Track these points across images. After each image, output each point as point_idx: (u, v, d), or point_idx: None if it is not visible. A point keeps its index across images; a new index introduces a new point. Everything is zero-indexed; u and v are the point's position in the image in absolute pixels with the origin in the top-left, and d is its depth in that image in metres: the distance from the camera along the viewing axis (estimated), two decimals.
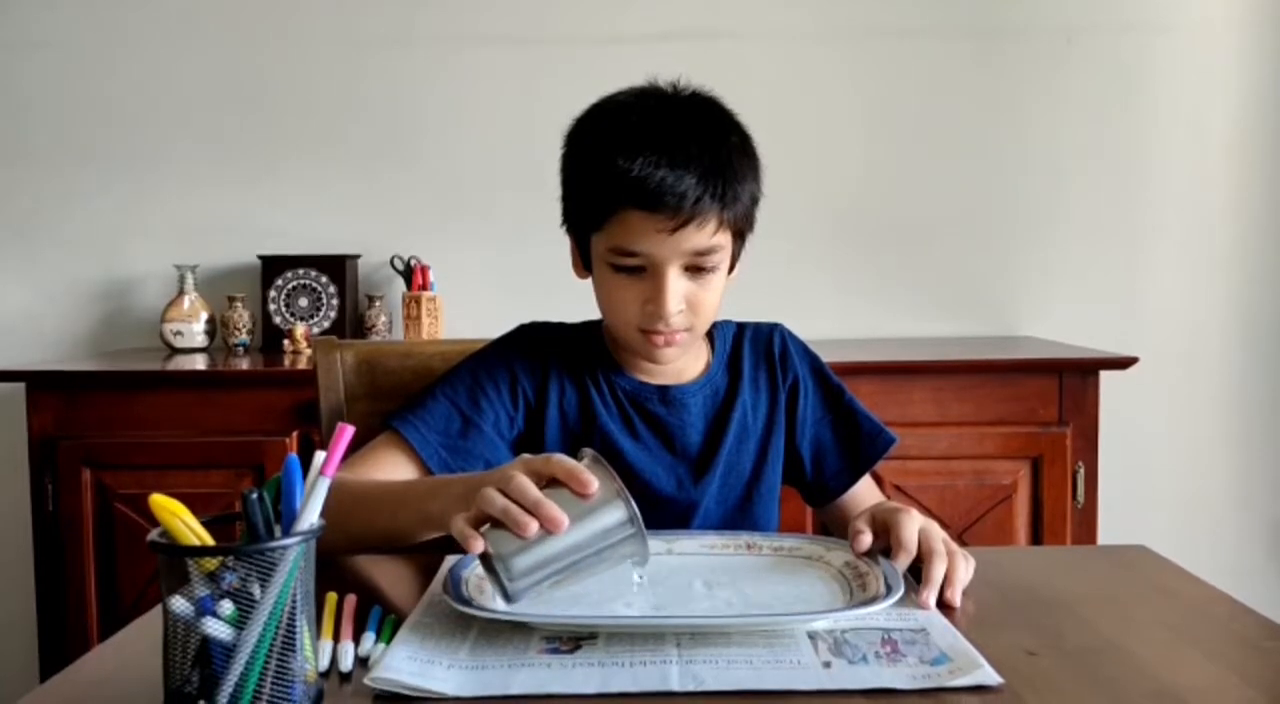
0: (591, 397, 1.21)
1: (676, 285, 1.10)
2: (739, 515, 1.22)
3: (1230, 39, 2.57)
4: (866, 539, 0.98)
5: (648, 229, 1.07)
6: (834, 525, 1.28)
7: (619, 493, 0.85)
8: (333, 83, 2.57)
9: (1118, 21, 2.56)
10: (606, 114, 1.13)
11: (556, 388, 1.21)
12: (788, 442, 1.26)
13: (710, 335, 1.27)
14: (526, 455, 0.89)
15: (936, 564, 0.94)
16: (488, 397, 1.19)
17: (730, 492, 1.22)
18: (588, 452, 0.89)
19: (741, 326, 1.30)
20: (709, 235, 1.09)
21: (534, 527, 0.81)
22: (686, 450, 1.21)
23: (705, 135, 1.11)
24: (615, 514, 0.84)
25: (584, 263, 1.19)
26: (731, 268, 1.18)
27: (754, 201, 1.15)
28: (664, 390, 1.21)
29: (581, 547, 0.84)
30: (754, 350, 1.27)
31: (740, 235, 1.16)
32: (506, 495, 0.83)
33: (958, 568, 0.95)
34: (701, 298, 1.13)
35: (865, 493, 1.26)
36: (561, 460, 0.86)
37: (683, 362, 1.22)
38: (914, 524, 0.99)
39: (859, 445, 1.26)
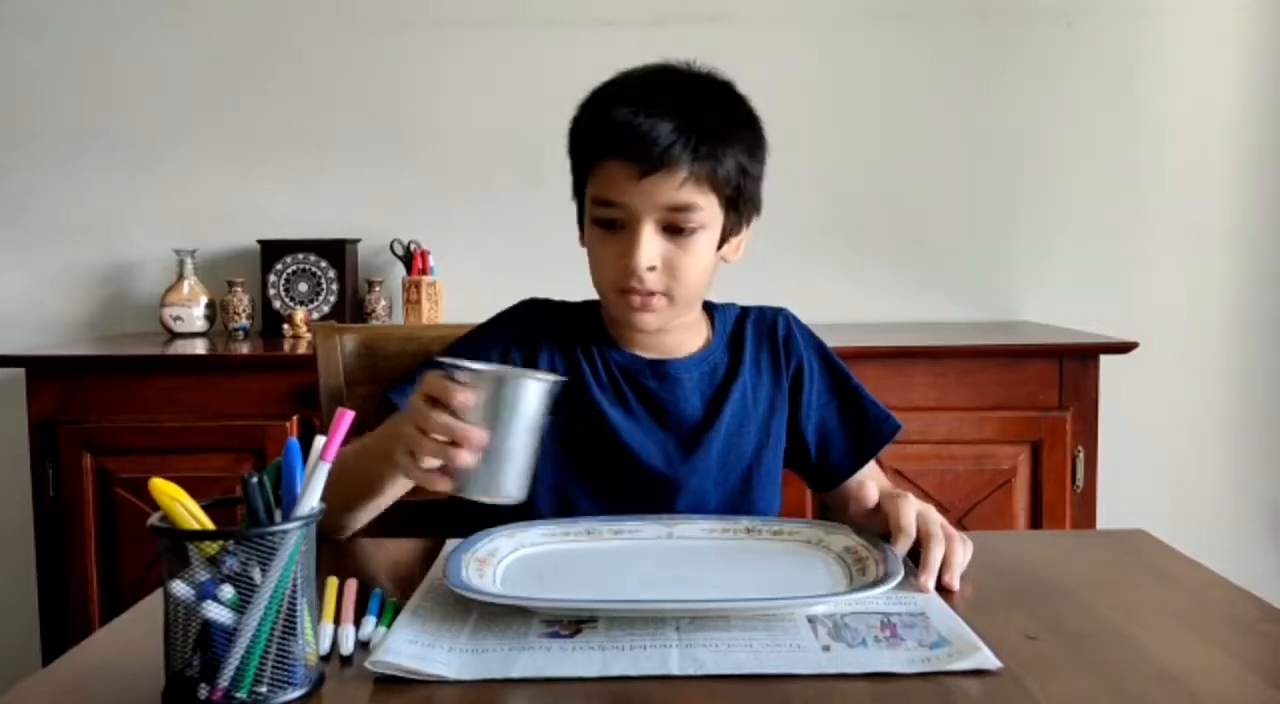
0: (583, 369, 1.20)
1: (650, 240, 1.10)
2: (740, 498, 1.21)
3: (1230, 22, 2.56)
4: (872, 489, 1.05)
5: (621, 176, 1.09)
6: (838, 510, 1.27)
7: (498, 374, 0.90)
8: (333, 66, 2.56)
9: (1118, 4, 2.55)
10: (611, 79, 1.15)
11: (547, 360, 1.21)
12: (792, 426, 1.25)
13: (713, 316, 1.27)
14: (417, 388, 0.93)
15: (934, 548, 0.95)
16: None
17: (731, 474, 1.21)
18: (445, 362, 0.92)
19: (745, 310, 1.29)
20: (680, 187, 1.08)
21: (464, 455, 0.87)
22: (679, 425, 1.20)
23: (692, 93, 1.12)
24: (519, 390, 0.89)
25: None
26: (723, 242, 1.17)
27: (745, 174, 1.14)
28: (657, 364, 1.20)
29: (518, 430, 0.88)
30: (757, 333, 1.26)
31: (732, 206, 1.15)
32: (425, 431, 0.89)
33: (955, 552, 0.96)
34: (680, 261, 1.12)
35: (870, 478, 1.25)
36: (431, 387, 0.90)
37: (678, 337, 1.22)
38: (912, 509, 1.00)
39: (864, 431, 1.25)
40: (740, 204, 1.16)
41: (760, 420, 1.23)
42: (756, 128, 1.17)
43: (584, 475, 1.19)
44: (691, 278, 1.13)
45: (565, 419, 1.17)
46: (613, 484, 1.18)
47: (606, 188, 1.11)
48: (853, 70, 2.56)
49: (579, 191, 1.18)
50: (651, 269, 1.11)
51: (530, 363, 1.21)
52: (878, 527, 1.03)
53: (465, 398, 0.88)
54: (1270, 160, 2.57)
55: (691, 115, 1.09)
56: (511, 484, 0.89)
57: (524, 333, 1.23)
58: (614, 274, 1.13)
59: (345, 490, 1.04)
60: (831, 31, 2.56)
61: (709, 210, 1.12)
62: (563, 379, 0.91)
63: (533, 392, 0.89)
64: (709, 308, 1.27)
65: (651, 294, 1.12)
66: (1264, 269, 2.59)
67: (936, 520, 0.99)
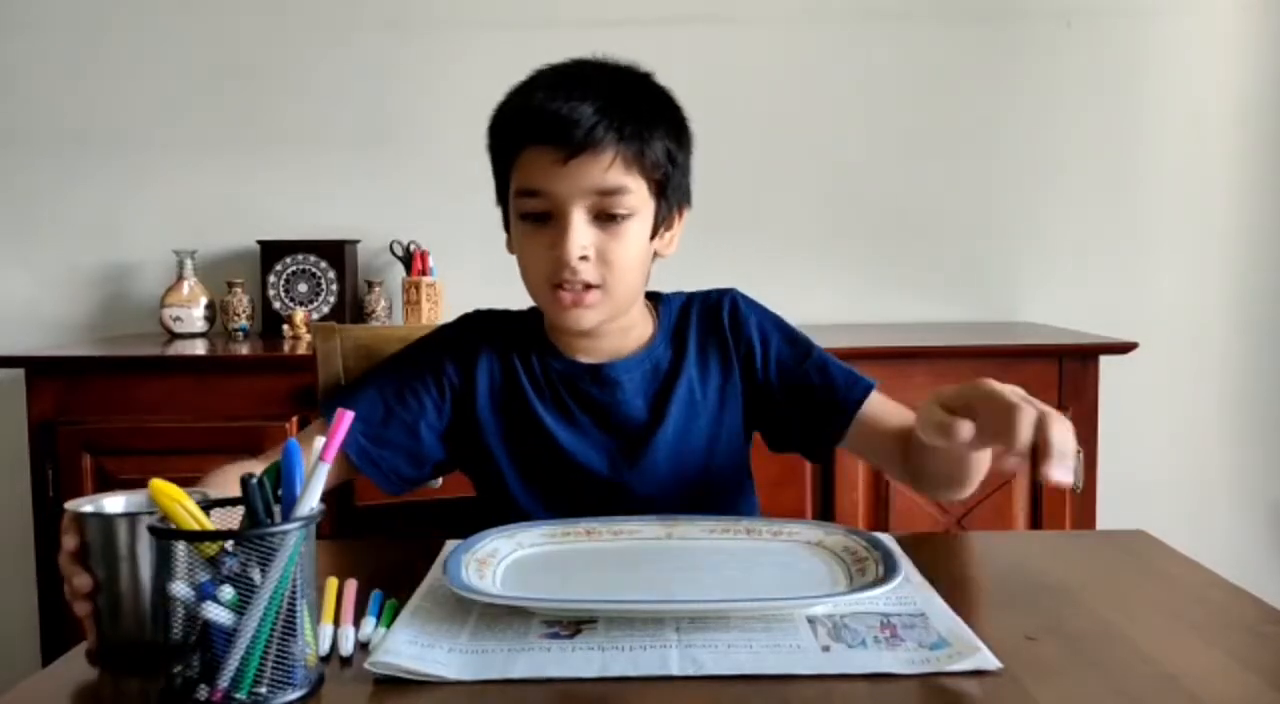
0: (520, 379, 1.17)
1: (581, 228, 1.06)
2: (699, 495, 1.17)
3: (1230, 21, 2.56)
4: (967, 428, 0.83)
5: (545, 162, 1.05)
6: (866, 452, 1.20)
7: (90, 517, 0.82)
8: (333, 67, 2.56)
9: (1117, 4, 2.55)
10: (528, 75, 1.12)
11: (485, 372, 1.18)
12: (760, 407, 1.19)
13: (658, 309, 1.22)
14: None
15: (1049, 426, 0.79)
16: (412, 387, 1.16)
17: (685, 472, 1.17)
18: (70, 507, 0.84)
19: (691, 297, 1.23)
20: (607, 170, 1.05)
21: (77, 605, 0.81)
22: (623, 429, 1.16)
23: (613, 79, 1.09)
24: (107, 532, 0.81)
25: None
26: (655, 232, 1.12)
27: (673, 161, 1.11)
28: (596, 368, 1.16)
29: (124, 571, 0.81)
30: (702, 321, 1.20)
31: (661, 193, 1.11)
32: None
33: (1052, 430, 0.79)
34: (613, 250, 1.07)
35: (880, 408, 1.17)
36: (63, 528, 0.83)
37: (618, 338, 1.17)
38: (1006, 393, 0.83)
39: (837, 396, 1.17)
40: (669, 191, 1.12)
41: (710, 414, 1.18)
42: (681, 117, 1.14)
43: (534, 485, 1.17)
44: (626, 267, 1.09)
45: (511, 432, 1.17)
46: (562, 493, 1.16)
47: (530, 177, 1.07)
48: (852, 70, 2.56)
49: (502, 193, 1.14)
50: (584, 259, 1.06)
51: (468, 376, 1.17)
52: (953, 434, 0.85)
53: (68, 543, 0.82)
54: (1270, 160, 2.57)
55: (613, 98, 1.06)
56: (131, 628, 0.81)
57: (459, 346, 1.19)
58: (545, 268, 1.08)
59: None
60: (831, 32, 2.55)
61: (639, 195, 1.08)
62: (151, 512, 0.78)
63: (123, 530, 0.80)
64: (655, 300, 1.23)
65: (586, 288, 1.08)
66: (1264, 269, 2.59)
67: (1020, 393, 0.83)
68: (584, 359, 1.17)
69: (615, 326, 1.15)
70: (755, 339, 1.20)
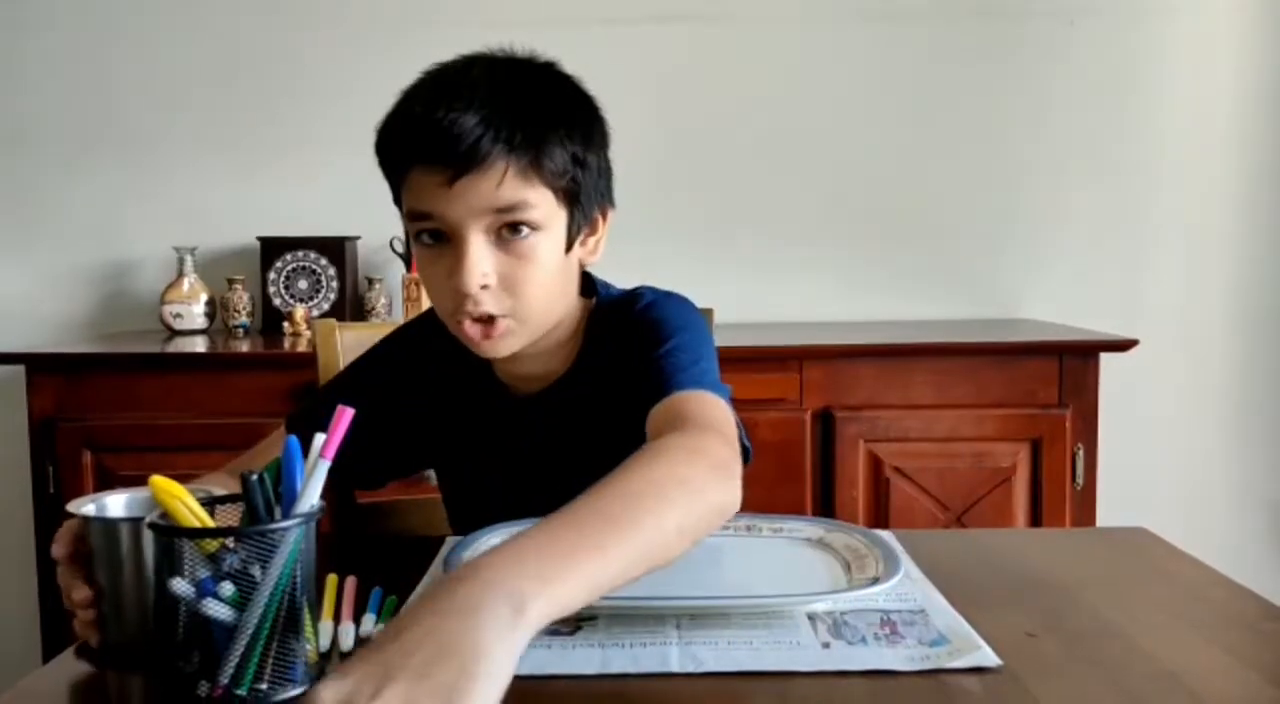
0: (452, 403, 1.13)
1: (479, 254, 0.94)
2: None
3: (1233, 21, 2.56)
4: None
5: (431, 184, 0.93)
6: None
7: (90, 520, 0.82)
8: (332, 64, 2.56)
9: (1120, 3, 2.55)
10: (417, 78, 1.00)
11: (425, 391, 1.13)
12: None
13: (590, 316, 1.10)
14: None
15: None
16: (366, 395, 1.06)
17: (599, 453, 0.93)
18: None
19: (607, 304, 1.10)
20: (500, 186, 0.92)
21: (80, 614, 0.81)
22: (540, 465, 1.08)
23: (503, 81, 0.96)
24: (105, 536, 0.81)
25: None
26: (570, 244, 1.00)
27: (580, 163, 0.98)
28: (519, 405, 1.09)
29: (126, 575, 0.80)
30: (613, 331, 1.07)
31: (572, 201, 0.98)
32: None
33: None
34: (519, 274, 0.95)
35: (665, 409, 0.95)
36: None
37: (547, 361, 1.07)
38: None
39: (650, 385, 0.97)
40: (581, 198, 0.99)
41: (627, 436, 0.94)
42: (588, 109, 1.01)
43: (468, 505, 1.16)
44: (536, 292, 0.97)
45: (442, 451, 1.16)
46: (489, 514, 1.04)
47: (419, 199, 0.95)
48: (853, 69, 2.56)
49: (399, 208, 1.02)
50: (485, 288, 0.95)
51: (411, 391, 1.13)
52: None
53: (56, 552, 0.82)
54: (1271, 159, 2.57)
55: (501, 103, 0.93)
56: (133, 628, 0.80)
57: (408, 361, 1.15)
58: (447, 300, 0.97)
59: None
60: (831, 30, 2.55)
61: (543, 208, 0.96)
62: (141, 517, 0.76)
63: (125, 533, 0.80)
64: (593, 296, 1.11)
65: (492, 320, 0.97)
66: (1264, 267, 2.59)
67: None
68: (516, 387, 1.10)
69: (542, 347, 1.05)
70: (633, 363, 1.02)
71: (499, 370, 1.10)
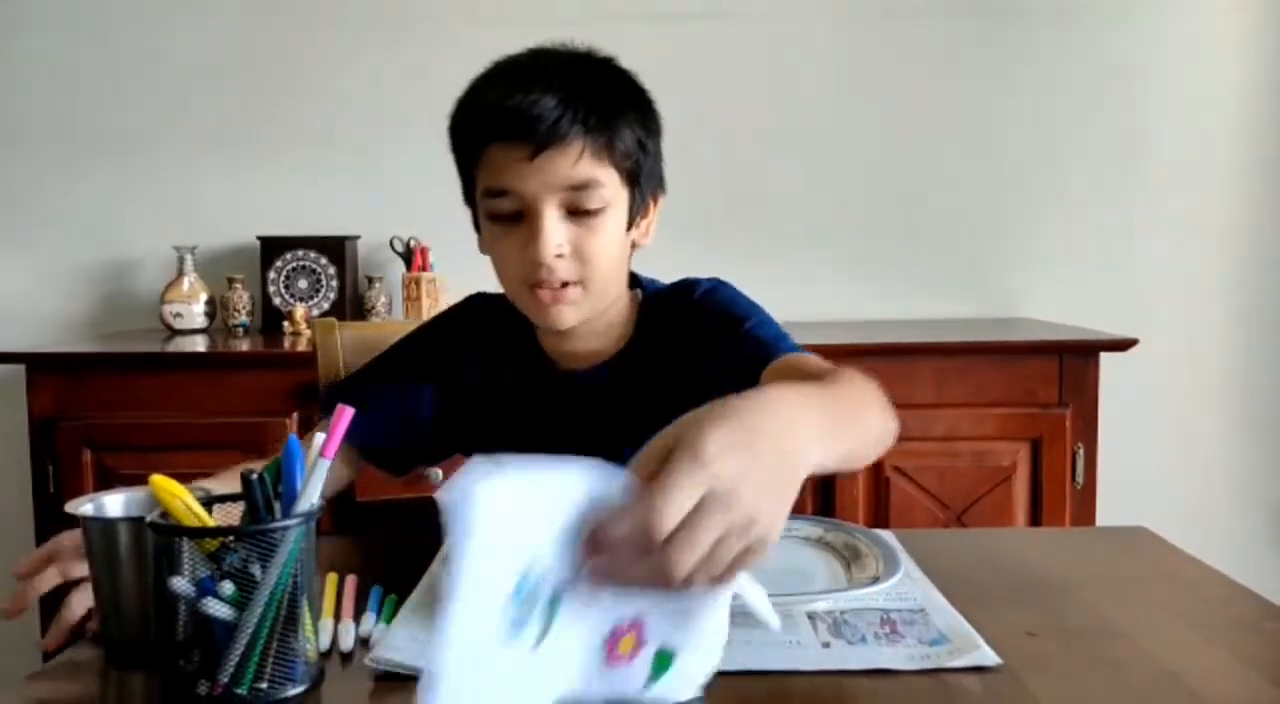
0: (500, 381, 1.16)
1: (554, 225, 1.02)
2: None
3: (1233, 17, 2.56)
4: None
5: (511, 160, 1.00)
6: None
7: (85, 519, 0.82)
8: (332, 62, 2.56)
9: (1119, 2, 2.55)
10: (485, 70, 1.07)
11: (471, 369, 1.17)
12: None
13: (640, 304, 1.16)
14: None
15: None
16: (409, 377, 1.17)
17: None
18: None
19: (656, 294, 1.17)
20: (576, 164, 1.00)
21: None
22: (588, 442, 1.07)
23: (574, 68, 1.05)
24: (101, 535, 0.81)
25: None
26: (631, 223, 1.08)
27: (643, 148, 1.06)
28: (568, 379, 1.13)
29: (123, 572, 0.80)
30: (665, 320, 1.14)
31: (634, 182, 1.07)
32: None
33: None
34: (589, 245, 1.03)
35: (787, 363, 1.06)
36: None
37: (600, 339, 1.13)
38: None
39: (747, 356, 1.06)
40: (642, 180, 1.08)
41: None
42: (647, 101, 1.09)
43: None
44: (603, 263, 1.05)
45: (488, 431, 1.16)
46: None
47: (497, 176, 1.02)
48: (852, 66, 2.56)
49: (469, 193, 1.10)
50: (559, 256, 1.03)
51: (456, 371, 1.16)
52: None
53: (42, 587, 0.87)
54: (1272, 156, 2.57)
55: (576, 88, 1.01)
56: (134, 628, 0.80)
57: (454, 340, 1.19)
58: (520, 269, 1.05)
59: None
60: (831, 29, 2.55)
61: (611, 187, 1.04)
62: (140, 517, 0.77)
63: (124, 534, 0.79)
64: (640, 288, 1.17)
65: (564, 285, 1.04)
66: (1264, 266, 2.59)
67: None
68: (561, 362, 1.15)
69: (597, 326, 1.12)
70: (711, 343, 1.11)
71: (549, 347, 1.14)
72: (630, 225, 1.08)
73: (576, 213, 1.03)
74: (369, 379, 1.19)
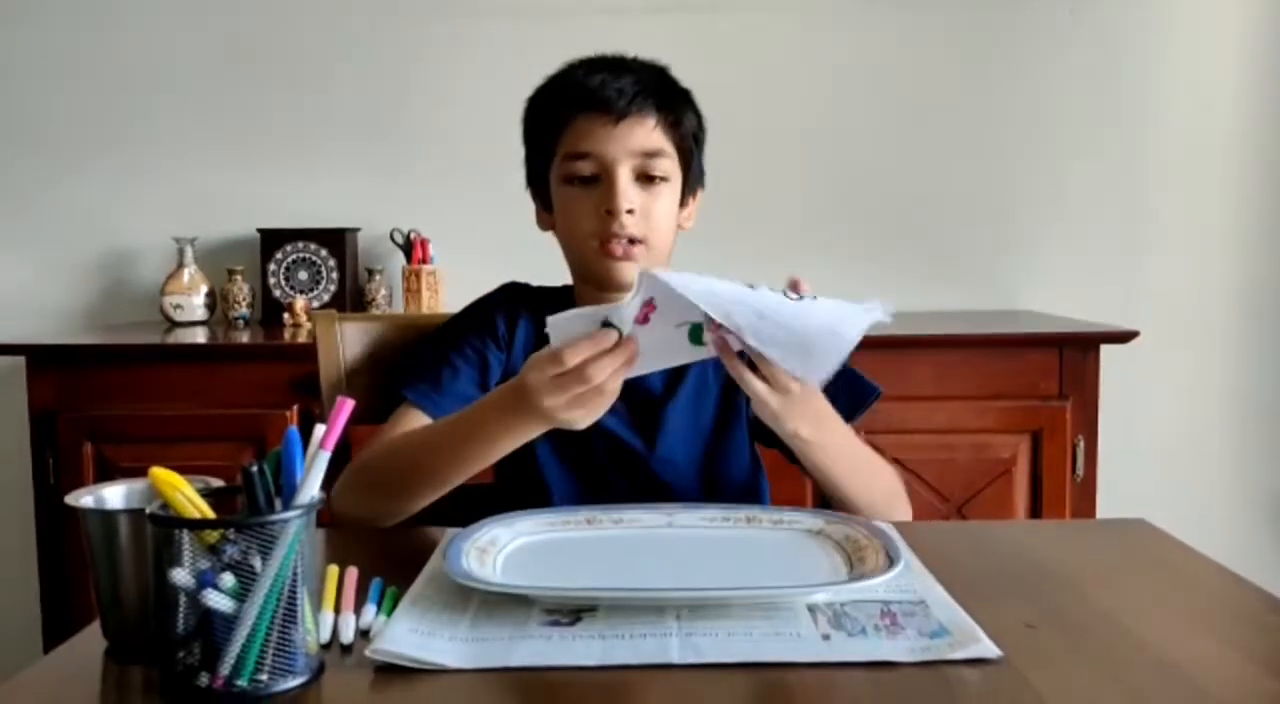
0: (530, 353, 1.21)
1: (628, 185, 1.17)
2: (706, 469, 1.23)
3: (1234, 9, 2.55)
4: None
5: (595, 127, 1.18)
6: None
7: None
8: (333, 55, 2.56)
9: None
10: (561, 68, 1.25)
11: (523, 341, 1.25)
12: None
13: None
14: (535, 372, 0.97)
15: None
16: (465, 356, 1.23)
17: (692, 448, 1.23)
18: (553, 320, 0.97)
19: None
20: (651, 132, 1.18)
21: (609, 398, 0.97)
22: (643, 401, 1.22)
23: (642, 66, 1.24)
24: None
25: (546, 208, 1.26)
26: (683, 203, 1.24)
27: (697, 139, 1.24)
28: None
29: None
30: None
31: (688, 166, 1.23)
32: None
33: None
34: (653, 208, 1.18)
35: None
36: (564, 355, 0.95)
37: None
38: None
39: (839, 397, 1.15)
40: (693, 165, 1.24)
41: (717, 393, 1.25)
42: (697, 107, 1.26)
43: (558, 450, 1.21)
44: (663, 225, 1.20)
45: None
46: (585, 462, 1.22)
47: (581, 140, 1.18)
48: (851, 58, 2.55)
49: (538, 170, 1.25)
50: (630, 212, 1.17)
51: (509, 344, 1.26)
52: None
53: (603, 344, 0.95)
54: (1272, 150, 2.56)
55: (649, 75, 1.21)
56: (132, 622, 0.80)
57: (503, 315, 1.27)
58: (593, 224, 1.18)
59: (427, 473, 1.08)
60: (830, 20, 2.55)
61: (672, 162, 1.21)
62: (140, 509, 0.76)
63: (124, 526, 0.79)
64: None
65: (633, 242, 1.18)
66: (1265, 258, 2.59)
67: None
68: None
69: None
70: None
71: None
72: (681, 203, 1.24)
73: (644, 179, 1.19)
74: (433, 362, 1.23)
